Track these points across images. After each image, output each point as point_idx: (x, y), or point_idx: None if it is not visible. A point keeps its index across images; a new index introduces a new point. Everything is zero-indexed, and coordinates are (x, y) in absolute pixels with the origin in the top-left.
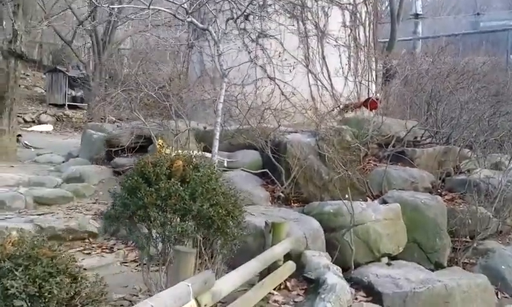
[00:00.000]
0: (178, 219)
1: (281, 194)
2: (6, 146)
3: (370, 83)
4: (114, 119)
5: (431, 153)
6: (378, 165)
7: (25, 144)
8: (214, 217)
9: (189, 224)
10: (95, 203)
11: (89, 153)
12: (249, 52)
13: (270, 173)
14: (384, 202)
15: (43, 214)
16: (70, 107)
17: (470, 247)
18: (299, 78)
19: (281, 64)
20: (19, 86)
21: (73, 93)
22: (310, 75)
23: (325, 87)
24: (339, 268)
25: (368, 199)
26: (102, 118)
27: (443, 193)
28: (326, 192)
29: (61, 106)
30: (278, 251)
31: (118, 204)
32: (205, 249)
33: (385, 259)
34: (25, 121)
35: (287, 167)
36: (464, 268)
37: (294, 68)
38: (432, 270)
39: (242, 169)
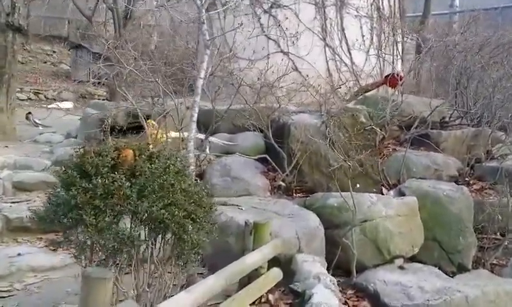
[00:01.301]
0: (128, 223)
1: (281, 183)
2: (4, 125)
3: (394, 58)
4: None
5: (459, 136)
6: (398, 149)
7: (35, 122)
8: (167, 220)
9: (133, 230)
10: None
11: (86, 133)
12: (260, 24)
13: (270, 159)
14: (401, 193)
15: (18, 202)
16: (95, 83)
17: (500, 246)
18: (316, 53)
19: (296, 36)
20: (19, 61)
21: (98, 70)
22: (327, 48)
23: (344, 62)
24: (333, 279)
25: (384, 189)
26: (124, 95)
27: (471, 182)
28: (334, 181)
29: (86, 83)
30: (252, 260)
31: (52, 202)
32: (161, 262)
33: (400, 261)
34: (47, 98)
35: (290, 152)
36: (492, 271)
37: (297, 40)
38: (454, 274)
39: (238, 154)
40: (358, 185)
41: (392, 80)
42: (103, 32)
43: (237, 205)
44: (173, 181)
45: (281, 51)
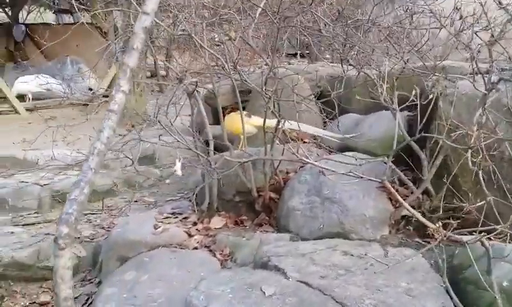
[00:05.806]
0: None
1: (411, 208)
2: (132, 108)
3: None
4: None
5: None
6: None
7: None
8: None
9: None
10: (136, 201)
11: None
12: None
13: (388, 162)
14: None
15: (34, 224)
16: (302, 56)
17: None
18: None
19: None
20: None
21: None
22: None
23: None
24: None
25: None
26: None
27: None
28: None
29: (294, 55)
30: None
31: None
32: None
33: None
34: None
35: (433, 150)
36: None
37: None
38: None
39: (329, 160)
40: None
41: None
42: None
43: (282, 271)
44: None
45: None
